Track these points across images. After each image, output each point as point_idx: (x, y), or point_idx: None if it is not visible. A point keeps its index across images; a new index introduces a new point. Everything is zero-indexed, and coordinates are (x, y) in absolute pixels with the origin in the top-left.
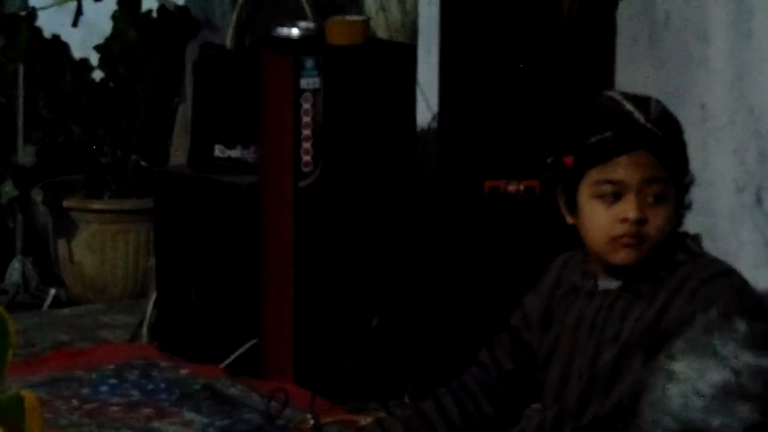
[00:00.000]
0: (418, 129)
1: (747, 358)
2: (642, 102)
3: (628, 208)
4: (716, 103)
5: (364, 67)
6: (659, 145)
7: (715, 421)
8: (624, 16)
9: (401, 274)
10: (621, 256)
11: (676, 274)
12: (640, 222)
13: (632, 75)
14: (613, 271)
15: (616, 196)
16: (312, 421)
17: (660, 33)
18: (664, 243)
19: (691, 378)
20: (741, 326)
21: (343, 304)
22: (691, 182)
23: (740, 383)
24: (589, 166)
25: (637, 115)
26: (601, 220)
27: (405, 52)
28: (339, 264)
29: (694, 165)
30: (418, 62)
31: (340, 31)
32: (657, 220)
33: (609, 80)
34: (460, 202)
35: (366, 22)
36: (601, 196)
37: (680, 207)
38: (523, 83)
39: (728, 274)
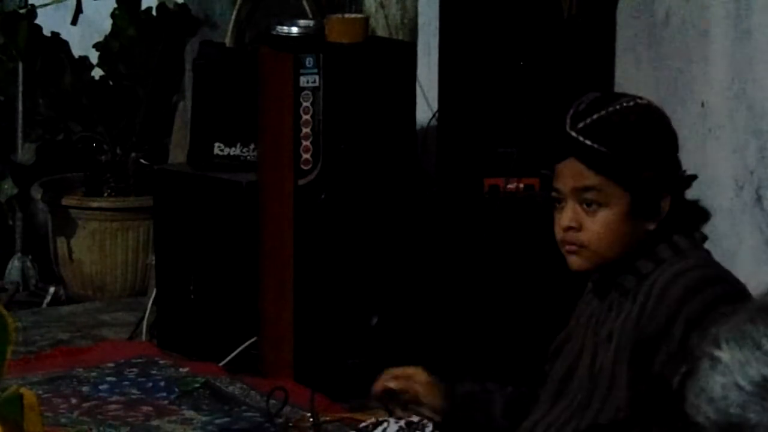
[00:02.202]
0: (418, 127)
1: None
2: (587, 106)
3: (562, 215)
4: (716, 101)
5: (364, 65)
6: (587, 153)
7: (753, 418)
8: (624, 15)
9: (401, 273)
10: (569, 262)
11: (656, 271)
12: (576, 229)
13: (632, 73)
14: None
15: (560, 203)
16: (311, 420)
17: (660, 31)
18: (628, 246)
19: (732, 369)
20: None
21: (343, 303)
22: (652, 180)
23: None
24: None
25: (567, 122)
26: (555, 226)
27: (405, 50)
28: (338, 262)
29: (694, 163)
30: (418, 60)
31: (339, 29)
32: (594, 226)
33: (609, 78)
34: (459, 200)
35: (366, 20)
36: (554, 202)
37: (641, 207)
38: (522, 81)
39: (685, 271)
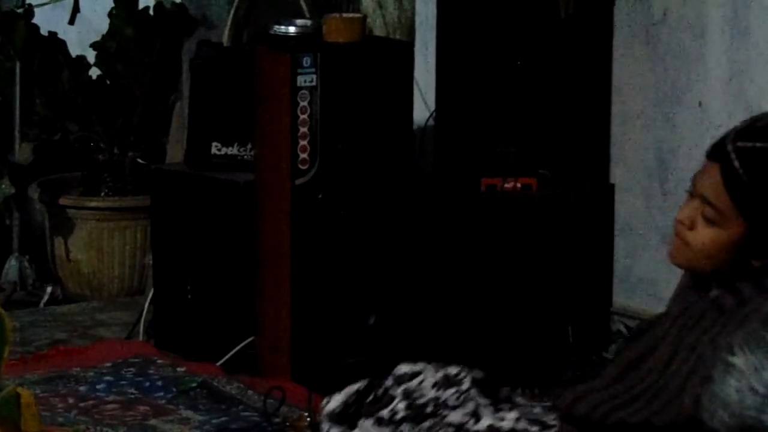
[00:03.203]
0: (415, 126)
1: None
2: (761, 128)
3: (683, 208)
4: (713, 101)
5: (361, 65)
6: (730, 173)
7: None
8: (621, 14)
9: (398, 272)
10: (670, 250)
11: (757, 298)
12: (688, 227)
13: (629, 73)
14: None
15: (691, 194)
16: (309, 419)
17: (657, 30)
18: (727, 268)
19: (747, 373)
20: None
21: (340, 302)
22: None
23: None
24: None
25: (733, 133)
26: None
27: (402, 50)
28: (336, 262)
29: (692, 163)
30: (415, 60)
31: (337, 28)
32: (702, 235)
33: (606, 78)
34: (456, 200)
35: (363, 20)
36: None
37: (753, 246)
38: (520, 81)
39: None
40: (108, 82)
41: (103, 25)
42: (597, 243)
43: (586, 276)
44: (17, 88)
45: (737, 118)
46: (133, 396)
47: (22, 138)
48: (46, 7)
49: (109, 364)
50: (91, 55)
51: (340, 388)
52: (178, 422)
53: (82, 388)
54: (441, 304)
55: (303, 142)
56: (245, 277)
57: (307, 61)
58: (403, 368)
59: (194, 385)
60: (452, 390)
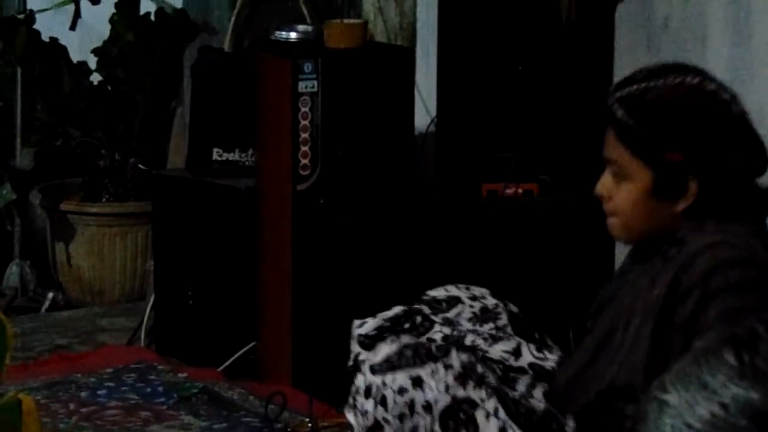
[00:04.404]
0: (416, 132)
1: (735, 391)
2: (633, 75)
3: (600, 180)
4: None
5: (363, 71)
6: (617, 124)
7: None
8: (622, 19)
9: (399, 278)
10: (607, 225)
11: (696, 237)
12: (606, 198)
13: None
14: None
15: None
16: (310, 425)
17: (658, 35)
18: (659, 224)
19: (681, 410)
20: (730, 358)
21: (341, 308)
22: (677, 163)
23: (728, 417)
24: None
25: (611, 88)
26: None
27: (403, 56)
28: (337, 267)
29: None
30: (416, 65)
31: (338, 34)
32: (618, 198)
33: (607, 83)
34: (457, 206)
35: (364, 25)
36: None
37: (664, 187)
38: (521, 86)
39: (713, 246)
40: (109, 87)
41: (105, 30)
42: (598, 248)
43: (587, 281)
44: (18, 93)
45: None
46: (134, 402)
47: (24, 143)
48: (47, 12)
49: (110, 370)
50: (92, 61)
51: (340, 393)
52: (179, 428)
53: (83, 394)
54: None
55: (304, 148)
56: (246, 283)
57: (308, 66)
58: (434, 293)
59: (195, 390)
60: (490, 325)
